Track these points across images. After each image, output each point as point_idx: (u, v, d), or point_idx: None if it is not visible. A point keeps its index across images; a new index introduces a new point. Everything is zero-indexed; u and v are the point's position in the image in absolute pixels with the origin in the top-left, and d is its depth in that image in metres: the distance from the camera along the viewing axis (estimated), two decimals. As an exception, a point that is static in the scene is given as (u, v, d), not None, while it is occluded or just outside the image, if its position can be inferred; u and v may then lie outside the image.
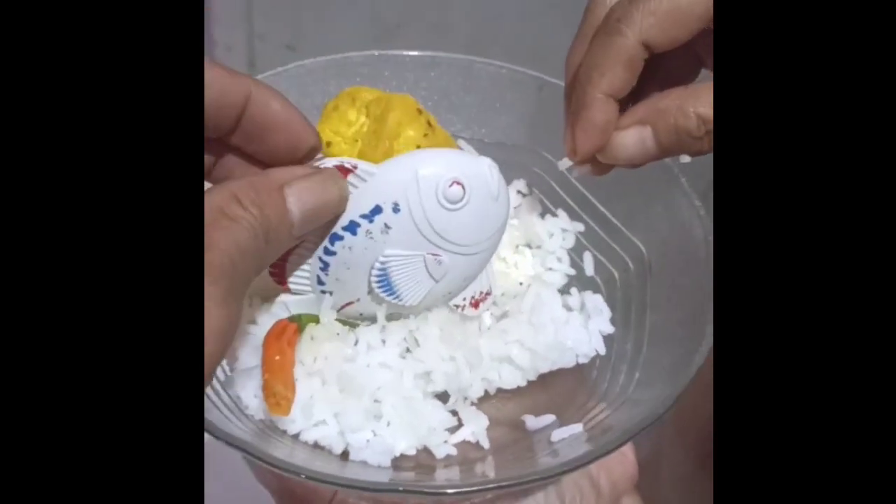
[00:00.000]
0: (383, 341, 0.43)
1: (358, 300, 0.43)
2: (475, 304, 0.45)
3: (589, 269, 0.50)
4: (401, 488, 0.34)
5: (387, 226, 0.41)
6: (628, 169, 0.42)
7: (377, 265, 0.41)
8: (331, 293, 0.43)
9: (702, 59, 0.42)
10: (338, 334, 0.42)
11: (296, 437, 0.41)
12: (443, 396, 0.43)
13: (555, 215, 0.52)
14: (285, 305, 0.43)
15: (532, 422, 0.43)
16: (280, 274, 0.43)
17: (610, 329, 0.47)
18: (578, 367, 0.46)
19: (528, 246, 0.52)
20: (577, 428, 0.41)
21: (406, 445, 0.41)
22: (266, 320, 0.42)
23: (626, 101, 0.41)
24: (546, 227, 0.51)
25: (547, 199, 0.53)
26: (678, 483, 0.60)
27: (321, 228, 0.41)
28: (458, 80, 0.53)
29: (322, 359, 0.41)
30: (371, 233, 0.41)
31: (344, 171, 0.40)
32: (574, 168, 0.43)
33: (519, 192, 0.53)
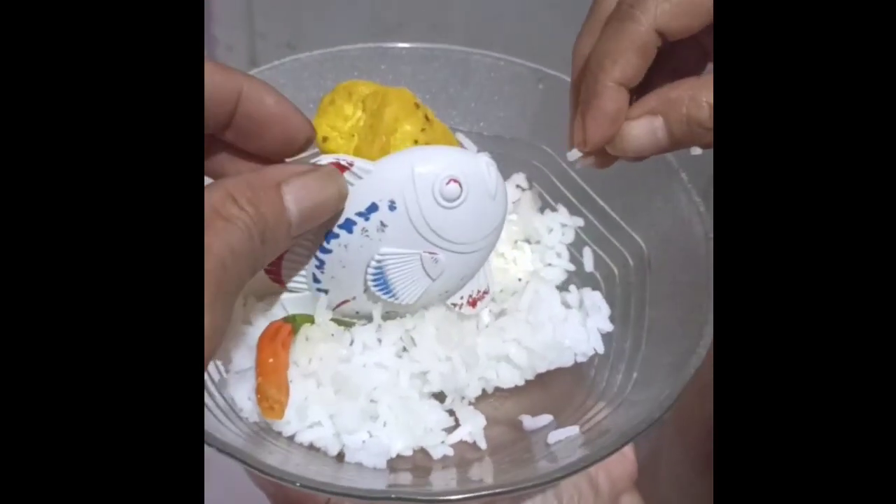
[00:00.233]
0: (379, 340, 0.42)
1: (354, 298, 0.43)
2: (473, 303, 0.44)
3: (588, 264, 0.50)
4: (393, 496, 0.34)
5: (383, 224, 0.40)
6: (631, 162, 0.42)
7: (373, 263, 0.41)
8: (327, 291, 0.42)
9: (709, 53, 0.42)
10: (333, 335, 0.42)
11: (291, 438, 0.40)
12: (440, 396, 0.43)
13: (554, 210, 0.51)
14: (281, 303, 0.43)
15: (529, 422, 0.43)
16: (276, 272, 0.42)
17: (609, 327, 0.47)
18: (577, 366, 0.45)
19: (528, 241, 0.51)
20: (574, 430, 0.41)
21: (402, 446, 0.41)
22: (261, 320, 0.42)
23: (633, 96, 0.40)
24: (545, 222, 0.51)
25: (546, 194, 0.52)
26: (678, 482, 0.60)
27: (318, 226, 0.40)
28: (456, 73, 0.53)
29: (317, 360, 0.41)
30: (367, 231, 0.40)
31: (340, 168, 0.39)
32: (579, 160, 0.42)
33: (518, 186, 0.52)
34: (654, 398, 0.39)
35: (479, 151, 0.51)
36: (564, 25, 0.44)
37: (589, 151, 0.41)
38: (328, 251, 0.41)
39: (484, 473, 0.40)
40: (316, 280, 0.42)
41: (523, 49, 0.53)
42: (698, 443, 0.57)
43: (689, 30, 0.38)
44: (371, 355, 0.42)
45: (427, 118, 0.45)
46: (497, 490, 0.35)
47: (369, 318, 0.43)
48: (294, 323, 0.42)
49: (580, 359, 0.45)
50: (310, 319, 0.42)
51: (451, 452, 0.41)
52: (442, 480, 0.40)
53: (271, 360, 0.39)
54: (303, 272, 0.42)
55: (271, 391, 0.39)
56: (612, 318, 0.47)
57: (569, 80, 0.43)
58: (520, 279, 0.49)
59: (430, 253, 0.41)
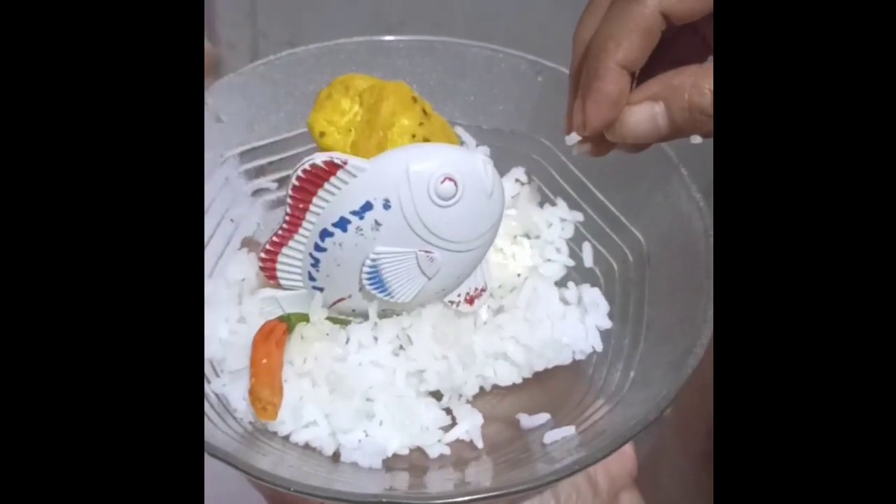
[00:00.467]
0: (375, 339, 0.42)
1: (350, 296, 0.43)
2: (470, 301, 0.44)
3: (588, 259, 0.49)
4: (384, 500, 0.34)
5: (377, 223, 0.40)
6: (629, 153, 0.41)
7: (368, 262, 0.41)
8: (322, 290, 0.42)
9: (709, 43, 0.41)
10: (328, 334, 0.42)
11: (286, 438, 0.40)
12: (436, 394, 0.43)
13: (553, 205, 0.51)
14: (277, 302, 0.43)
15: (526, 420, 0.43)
16: (271, 270, 0.42)
17: (608, 324, 0.46)
18: (575, 364, 0.45)
19: (527, 236, 0.51)
20: (571, 431, 0.41)
21: (399, 445, 0.41)
22: (256, 319, 0.42)
23: (633, 82, 0.39)
24: (545, 217, 0.50)
25: (546, 188, 0.52)
26: (679, 479, 0.60)
27: (312, 225, 0.40)
28: (454, 67, 0.52)
29: (312, 359, 0.41)
30: (361, 229, 0.40)
31: (334, 166, 0.39)
32: (576, 145, 0.41)
33: (517, 180, 0.52)
34: (652, 397, 0.38)
35: (477, 145, 0.51)
36: (563, 18, 0.44)
37: (587, 136, 0.40)
38: (323, 249, 0.41)
39: (481, 473, 0.40)
40: (311, 278, 0.42)
41: (522, 42, 0.53)
42: (699, 440, 0.57)
43: (694, 14, 0.37)
44: (367, 354, 0.42)
45: (425, 112, 0.44)
46: (492, 494, 0.35)
47: (365, 317, 0.43)
48: (289, 322, 0.42)
49: (578, 356, 0.45)
50: (305, 318, 0.42)
51: (447, 451, 0.41)
52: (438, 481, 0.40)
53: (265, 361, 0.39)
54: (298, 270, 0.42)
55: (264, 392, 0.39)
56: (610, 315, 0.47)
57: (568, 73, 0.42)
58: (519, 275, 0.48)
59: (426, 252, 0.41)
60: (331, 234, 0.40)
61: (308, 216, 0.40)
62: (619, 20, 0.38)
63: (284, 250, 0.41)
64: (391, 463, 0.40)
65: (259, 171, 0.50)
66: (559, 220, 0.50)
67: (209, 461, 0.34)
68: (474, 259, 0.42)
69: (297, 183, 0.39)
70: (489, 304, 0.46)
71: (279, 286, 0.43)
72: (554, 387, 0.45)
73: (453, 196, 0.40)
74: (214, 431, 0.38)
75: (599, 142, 0.41)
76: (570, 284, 0.48)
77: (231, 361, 0.41)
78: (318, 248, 0.41)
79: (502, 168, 0.46)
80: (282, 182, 0.50)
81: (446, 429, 0.42)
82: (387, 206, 0.39)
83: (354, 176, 0.39)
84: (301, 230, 0.41)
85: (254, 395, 0.39)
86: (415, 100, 0.44)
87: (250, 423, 0.41)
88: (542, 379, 0.44)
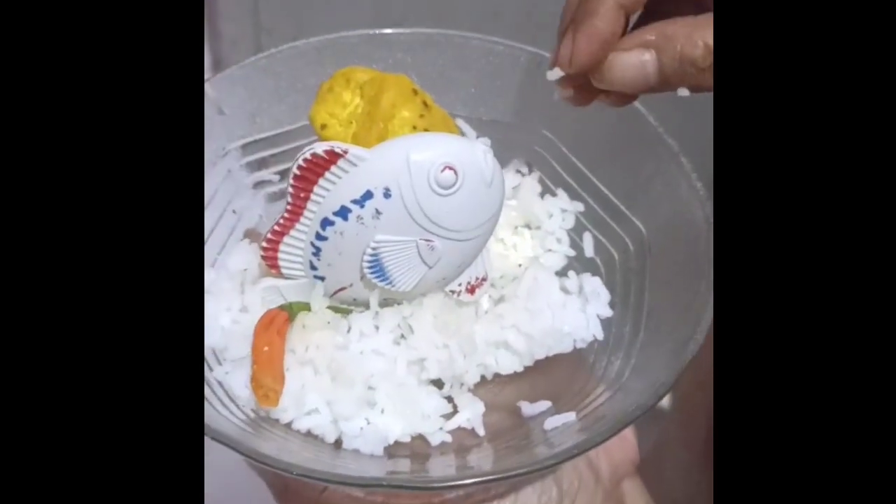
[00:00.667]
0: (376, 328, 0.42)
1: (351, 285, 0.43)
2: (471, 290, 0.44)
3: (589, 249, 0.50)
4: (384, 483, 0.34)
5: (378, 211, 0.40)
6: (612, 105, 0.40)
7: (369, 251, 0.41)
8: (323, 278, 0.42)
9: (704, 3, 0.41)
10: (329, 322, 0.42)
11: (288, 426, 0.40)
12: (438, 383, 0.43)
13: (554, 195, 0.51)
14: (278, 291, 0.43)
15: (527, 408, 0.43)
16: (273, 259, 0.42)
17: (608, 313, 0.46)
18: (576, 352, 0.45)
19: (528, 227, 0.51)
20: (571, 416, 0.41)
21: (400, 433, 0.41)
22: (257, 308, 0.42)
23: (626, 27, 0.38)
24: (545, 208, 0.50)
25: (547, 179, 0.52)
26: (681, 472, 0.60)
27: (313, 213, 0.40)
28: (455, 59, 0.52)
29: (314, 347, 0.41)
30: (362, 218, 0.40)
31: (334, 155, 0.39)
32: (560, 88, 0.40)
33: (518, 171, 0.52)
34: (652, 384, 0.38)
35: (478, 137, 0.51)
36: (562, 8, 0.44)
37: (571, 76, 0.39)
38: (324, 238, 0.41)
39: (482, 460, 0.40)
40: (312, 267, 0.42)
41: (523, 33, 0.53)
42: (701, 433, 0.57)
43: None
44: (368, 342, 0.42)
45: (426, 104, 0.44)
46: (493, 477, 0.35)
47: (366, 306, 0.43)
48: (290, 311, 0.42)
49: (579, 345, 0.45)
50: (306, 307, 0.42)
51: (449, 439, 0.41)
52: (440, 467, 0.40)
53: (266, 349, 0.40)
54: (300, 259, 0.42)
55: (266, 380, 0.39)
56: (611, 304, 0.47)
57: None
58: (520, 265, 0.49)
59: (426, 240, 0.41)
60: (332, 223, 0.40)
61: (309, 205, 0.40)
62: None
63: (286, 239, 0.42)
64: (393, 450, 0.41)
65: (261, 164, 0.51)
66: (560, 211, 0.50)
67: (211, 455, 0.34)
68: (475, 248, 0.42)
69: (298, 172, 0.40)
70: (490, 293, 0.46)
71: (281, 275, 0.43)
72: (555, 375, 0.45)
73: (453, 185, 0.40)
74: (217, 419, 0.38)
75: (584, 89, 0.40)
76: (571, 274, 0.48)
77: (233, 350, 0.41)
78: (319, 236, 0.41)
79: (503, 159, 0.46)
80: (284, 174, 0.50)
81: (448, 417, 0.42)
82: (387, 194, 0.40)
83: (355, 165, 0.39)
84: (302, 219, 0.41)
85: (256, 382, 0.39)
86: (415, 92, 0.44)
87: (253, 410, 0.41)
88: (543, 367, 0.45)
